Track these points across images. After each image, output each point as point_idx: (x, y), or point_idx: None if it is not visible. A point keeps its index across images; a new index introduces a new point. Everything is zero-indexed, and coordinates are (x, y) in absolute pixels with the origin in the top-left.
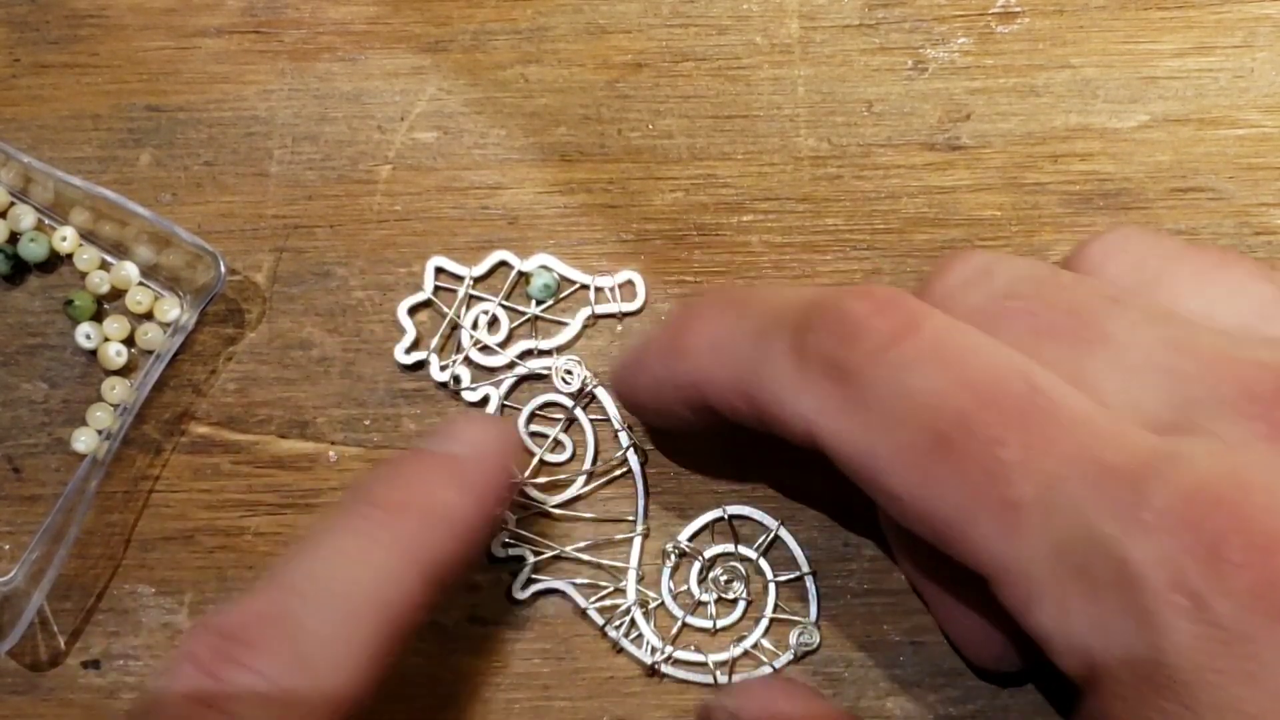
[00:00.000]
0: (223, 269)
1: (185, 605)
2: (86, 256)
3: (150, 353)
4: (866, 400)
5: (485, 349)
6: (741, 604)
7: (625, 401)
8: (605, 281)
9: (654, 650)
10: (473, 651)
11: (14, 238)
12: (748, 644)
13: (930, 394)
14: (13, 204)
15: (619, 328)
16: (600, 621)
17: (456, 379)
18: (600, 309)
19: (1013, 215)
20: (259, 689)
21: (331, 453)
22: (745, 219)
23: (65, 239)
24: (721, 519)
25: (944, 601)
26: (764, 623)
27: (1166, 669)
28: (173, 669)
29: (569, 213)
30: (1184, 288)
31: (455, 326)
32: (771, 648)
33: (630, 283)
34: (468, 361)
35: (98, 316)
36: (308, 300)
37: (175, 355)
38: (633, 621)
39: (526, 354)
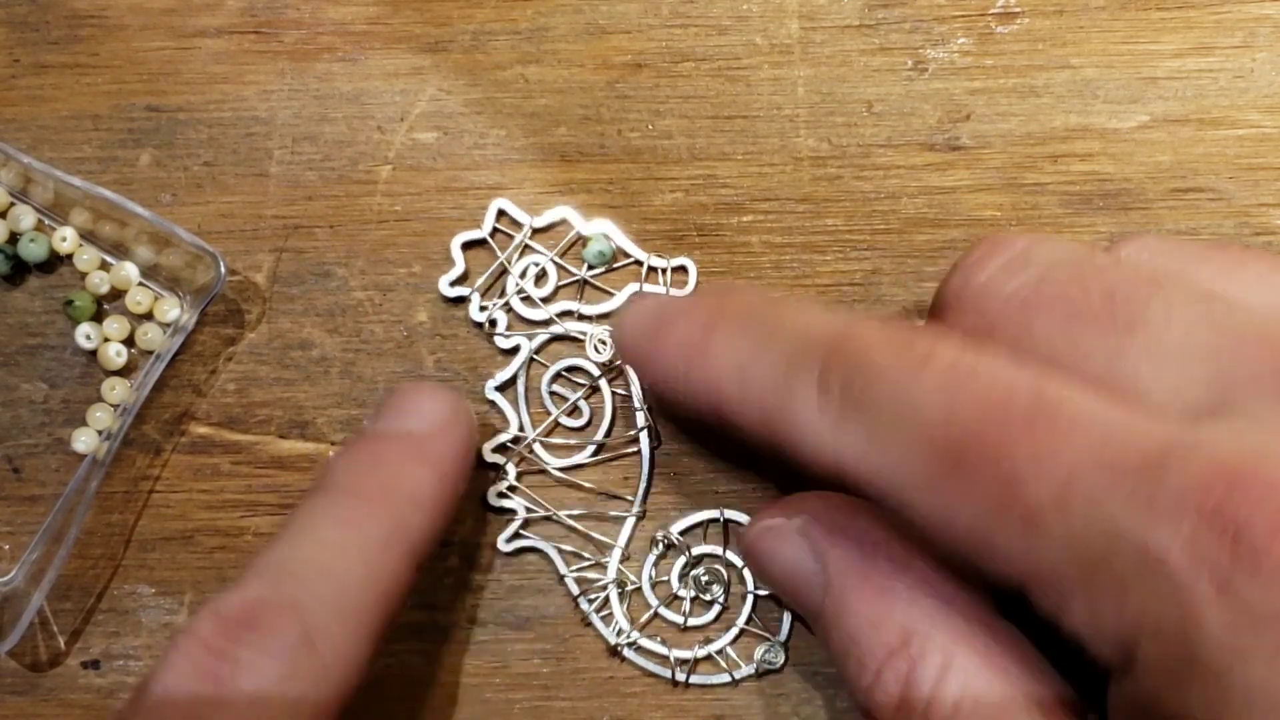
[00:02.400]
0: (223, 269)
1: (185, 605)
2: (86, 256)
3: (150, 353)
4: (886, 430)
5: (528, 300)
6: (717, 607)
7: (632, 365)
8: (660, 262)
9: (620, 632)
10: (473, 651)
11: (14, 238)
12: (713, 648)
13: (941, 417)
14: (13, 204)
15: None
16: (575, 591)
17: (493, 322)
18: (649, 288)
19: (1013, 215)
20: (269, 673)
21: (331, 453)
22: (745, 219)
23: (65, 239)
24: (717, 520)
25: None
26: (733, 631)
27: (1197, 654)
28: (177, 651)
29: None
30: (1211, 280)
31: (504, 271)
32: (735, 657)
33: (684, 268)
34: (507, 308)
35: (98, 316)
36: (308, 300)
37: (175, 355)
38: (606, 599)
39: (566, 314)
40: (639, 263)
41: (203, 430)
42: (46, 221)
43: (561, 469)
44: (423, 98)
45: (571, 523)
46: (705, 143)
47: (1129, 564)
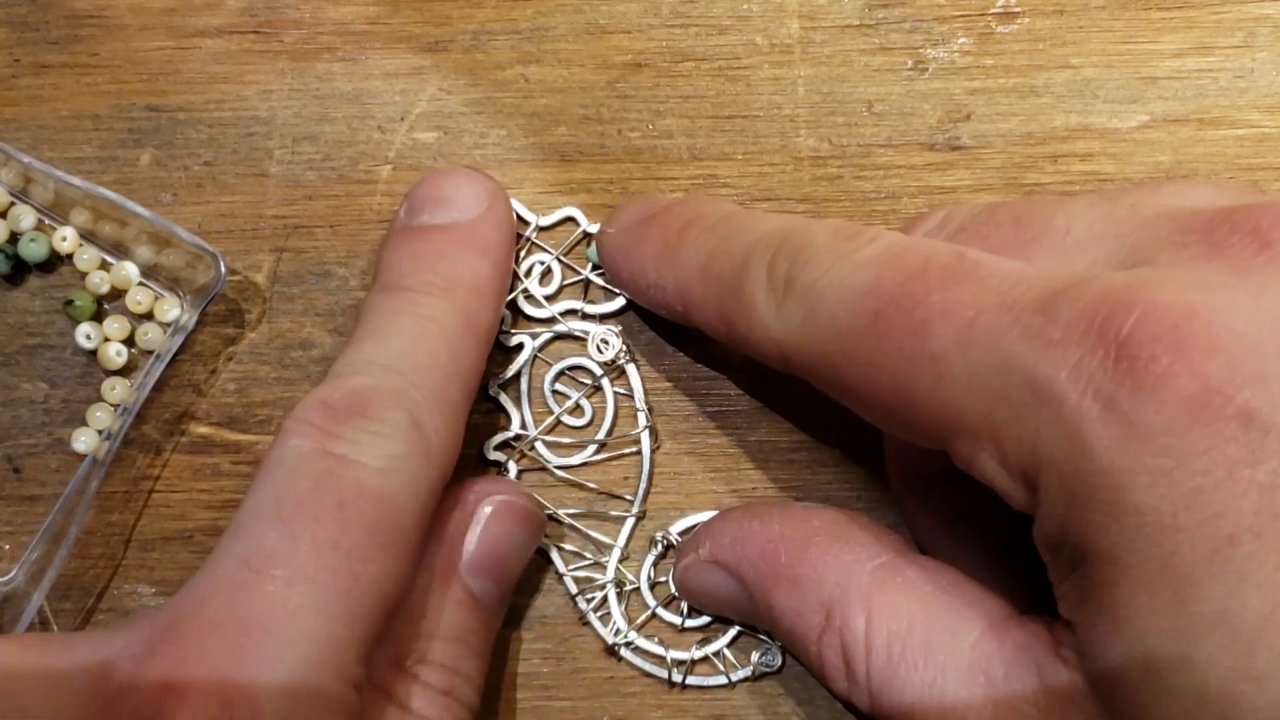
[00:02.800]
0: (223, 269)
1: None
2: (86, 256)
3: (150, 353)
4: (819, 307)
5: (532, 298)
6: None
7: (607, 269)
8: None
9: (618, 632)
10: None
11: (14, 238)
12: (710, 649)
13: (867, 283)
14: (13, 204)
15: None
16: (574, 590)
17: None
18: None
19: None
20: (387, 449)
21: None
22: None
23: (65, 239)
24: None
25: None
26: (731, 633)
27: (1088, 477)
28: (290, 433)
29: None
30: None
31: None
32: (732, 659)
33: None
34: (512, 305)
35: (98, 316)
36: (308, 300)
37: (175, 355)
38: (605, 599)
39: (570, 313)
40: None
41: (203, 430)
42: (47, 221)
43: (562, 468)
44: (423, 98)
45: (571, 521)
46: (705, 143)
47: (1023, 395)
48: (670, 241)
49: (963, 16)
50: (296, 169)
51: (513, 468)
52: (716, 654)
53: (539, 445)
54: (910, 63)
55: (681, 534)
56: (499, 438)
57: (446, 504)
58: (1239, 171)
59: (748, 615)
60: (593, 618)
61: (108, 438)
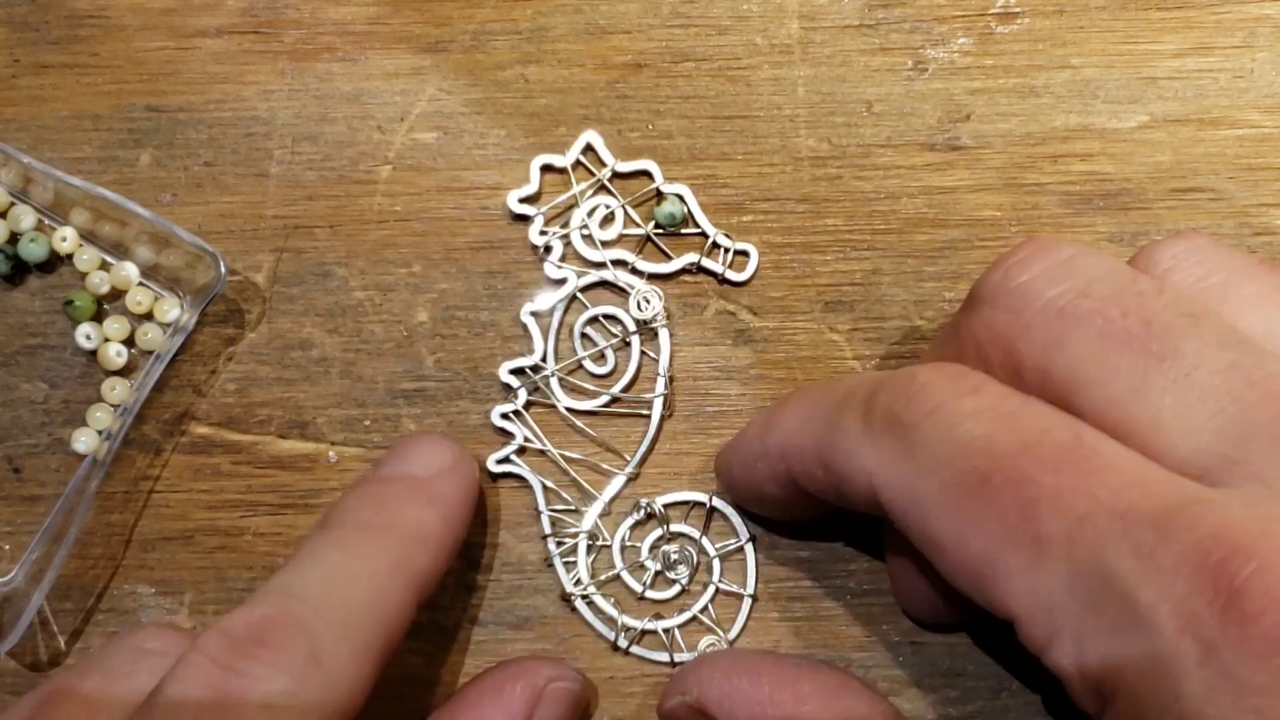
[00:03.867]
0: (223, 269)
1: (185, 605)
2: (86, 256)
3: (150, 353)
4: (919, 448)
5: (589, 239)
6: (678, 587)
7: (722, 480)
8: (725, 241)
9: (578, 582)
10: (473, 651)
11: (14, 238)
12: (661, 625)
13: (978, 440)
14: (13, 204)
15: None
16: (548, 529)
17: (548, 248)
18: (707, 263)
19: (1013, 215)
20: (275, 685)
21: (331, 453)
22: (745, 219)
23: (65, 239)
24: (703, 505)
25: (905, 574)
26: (686, 615)
27: (1173, 714)
28: (184, 665)
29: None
30: (1249, 305)
31: (573, 205)
32: (680, 640)
33: (746, 254)
34: (566, 240)
35: (98, 316)
36: (308, 300)
37: (175, 355)
38: (574, 547)
39: (620, 263)
40: (705, 235)
41: (203, 430)
42: (47, 221)
43: (570, 409)
44: (423, 98)
45: (563, 463)
46: (705, 143)
47: (1119, 612)
48: (767, 415)
49: (963, 16)
50: (296, 169)
51: (523, 394)
52: (666, 631)
53: (553, 381)
54: (910, 63)
55: (666, 506)
56: (517, 362)
57: (503, 677)
58: (1239, 171)
59: None
60: (558, 562)
61: (108, 438)
